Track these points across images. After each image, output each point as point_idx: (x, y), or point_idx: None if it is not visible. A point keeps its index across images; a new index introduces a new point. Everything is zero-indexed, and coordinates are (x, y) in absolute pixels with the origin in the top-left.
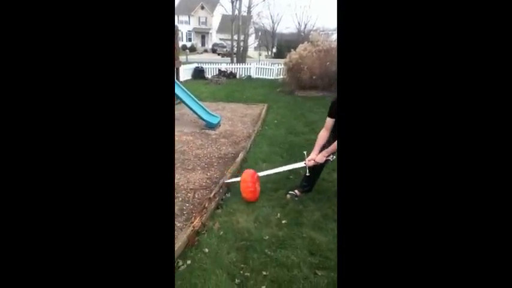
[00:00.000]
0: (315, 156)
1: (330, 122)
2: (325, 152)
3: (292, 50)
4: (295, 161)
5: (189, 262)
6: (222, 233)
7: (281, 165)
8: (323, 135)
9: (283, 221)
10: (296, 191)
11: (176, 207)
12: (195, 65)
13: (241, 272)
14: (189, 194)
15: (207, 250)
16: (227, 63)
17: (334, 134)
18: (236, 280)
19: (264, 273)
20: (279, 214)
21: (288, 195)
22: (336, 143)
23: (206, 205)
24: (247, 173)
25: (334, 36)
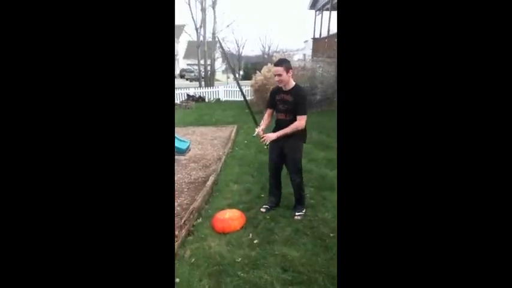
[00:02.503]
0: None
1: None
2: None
3: (257, 71)
4: (266, 180)
5: None
6: (193, 260)
7: (252, 185)
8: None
9: (255, 241)
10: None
11: None
12: None
13: None
14: None
15: (178, 280)
16: (195, 88)
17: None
18: None
19: None
20: (251, 234)
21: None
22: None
23: (176, 233)
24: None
25: (296, 57)
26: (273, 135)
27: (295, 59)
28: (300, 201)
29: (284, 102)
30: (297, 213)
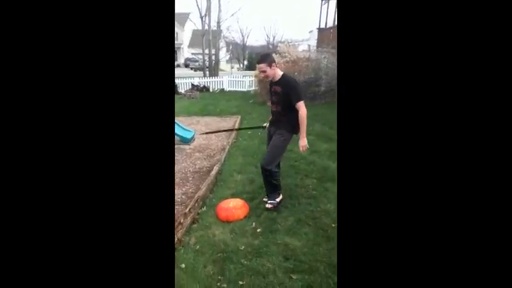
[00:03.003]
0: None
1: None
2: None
3: None
4: None
5: None
6: (198, 247)
7: (255, 176)
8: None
9: (258, 230)
10: (277, 200)
11: None
12: None
13: (218, 284)
14: None
15: (183, 265)
16: (200, 77)
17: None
18: None
19: (241, 282)
20: (254, 223)
21: (269, 205)
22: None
23: (182, 221)
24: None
25: (301, 47)
26: (304, 141)
27: (300, 49)
28: (272, 189)
29: (275, 94)
30: (268, 201)
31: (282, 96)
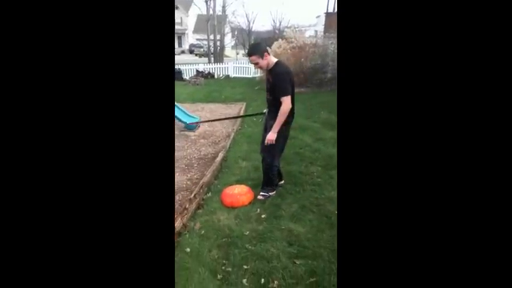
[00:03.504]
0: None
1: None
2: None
3: (268, 47)
4: None
5: None
6: (203, 232)
7: (260, 163)
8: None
9: (263, 216)
10: (270, 193)
11: None
12: None
13: (223, 267)
14: None
15: (188, 250)
16: (205, 64)
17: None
18: (218, 276)
19: (245, 267)
20: (258, 209)
21: (261, 197)
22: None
23: (187, 206)
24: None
25: (308, 33)
26: (272, 135)
27: (307, 35)
28: (266, 183)
29: (268, 82)
30: (261, 193)
31: (272, 86)
